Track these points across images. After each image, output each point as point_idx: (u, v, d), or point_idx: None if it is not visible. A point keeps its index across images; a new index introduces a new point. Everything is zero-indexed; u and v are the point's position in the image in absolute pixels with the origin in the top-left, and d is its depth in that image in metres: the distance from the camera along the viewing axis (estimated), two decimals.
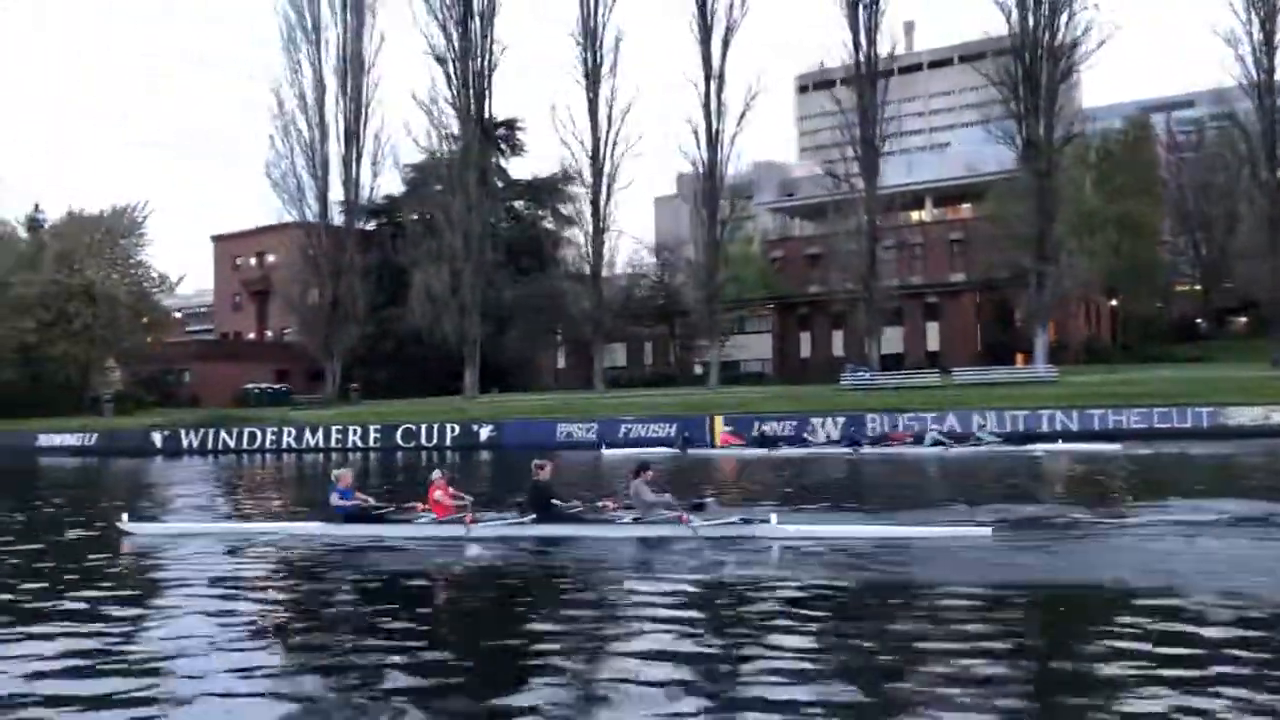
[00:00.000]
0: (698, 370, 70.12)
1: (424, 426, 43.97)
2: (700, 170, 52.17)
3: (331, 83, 56.78)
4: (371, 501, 14.40)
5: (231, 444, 46.05)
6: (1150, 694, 6.15)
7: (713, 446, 37.58)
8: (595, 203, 53.17)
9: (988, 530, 12.12)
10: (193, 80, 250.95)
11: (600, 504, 14.03)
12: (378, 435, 44.43)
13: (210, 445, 46.39)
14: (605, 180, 52.99)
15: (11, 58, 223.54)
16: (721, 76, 51.40)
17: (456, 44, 52.13)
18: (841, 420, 39.02)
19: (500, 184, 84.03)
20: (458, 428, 43.44)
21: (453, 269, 52.39)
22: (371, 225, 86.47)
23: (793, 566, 10.84)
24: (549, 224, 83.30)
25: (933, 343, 63.04)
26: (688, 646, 7.52)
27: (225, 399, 69.96)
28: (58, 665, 7.38)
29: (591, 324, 54.61)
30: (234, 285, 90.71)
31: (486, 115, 53.55)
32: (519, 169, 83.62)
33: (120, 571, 12.19)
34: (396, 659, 7.39)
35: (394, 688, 6.65)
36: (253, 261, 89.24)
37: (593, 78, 52.67)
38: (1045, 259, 47.36)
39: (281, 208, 60.75)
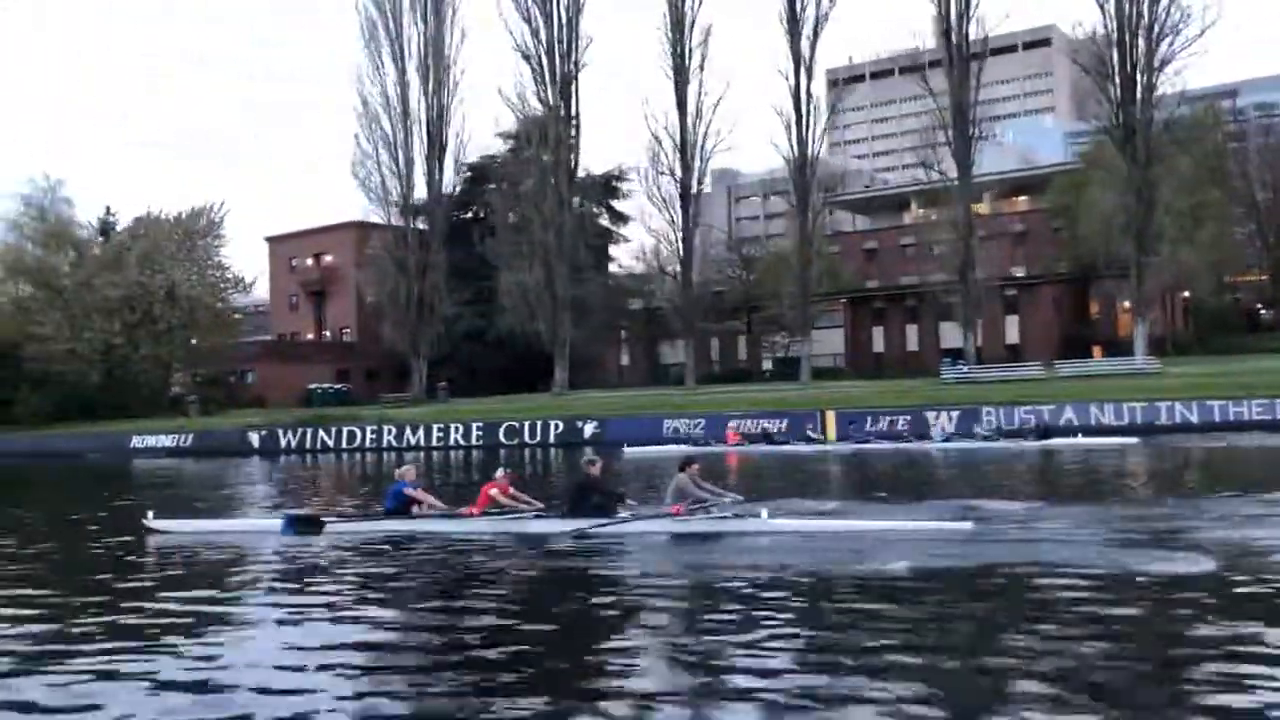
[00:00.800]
0: (766, 366, 70.04)
1: (527, 423, 43.94)
2: (791, 163, 51.99)
3: (414, 80, 56.69)
4: (433, 501, 14.42)
5: (330, 443, 46.18)
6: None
7: (824, 442, 37.73)
8: (684, 198, 52.95)
9: (968, 525, 12.46)
10: (193, 80, 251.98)
11: (632, 503, 14.24)
12: (480, 433, 44.46)
13: (309, 444, 46.60)
14: (695, 175, 52.85)
15: (11, 58, 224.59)
16: (811, 69, 51.30)
17: (544, 40, 52.07)
18: (956, 414, 38.86)
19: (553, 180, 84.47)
20: (561, 424, 43.40)
21: (546, 265, 52.30)
22: (424, 224, 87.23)
23: (781, 559, 11.01)
24: (603, 221, 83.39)
25: (1011, 336, 62.63)
26: (678, 638, 7.73)
27: (289, 399, 70.23)
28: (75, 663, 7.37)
29: (682, 320, 54.39)
30: (290, 286, 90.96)
31: (574, 112, 53.31)
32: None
33: (140, 569, 12.31)
34: (396, 654, 7.55)
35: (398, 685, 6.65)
36: (309, 262, 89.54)
37: (680, 71, 52.39)
38: (1145, 250, 47.01)
39: (368, 206, 60.42)
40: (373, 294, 56.32)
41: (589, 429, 42.82)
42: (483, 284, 78.65)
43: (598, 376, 74.04)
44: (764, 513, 12.88)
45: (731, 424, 38.92)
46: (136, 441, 49.78)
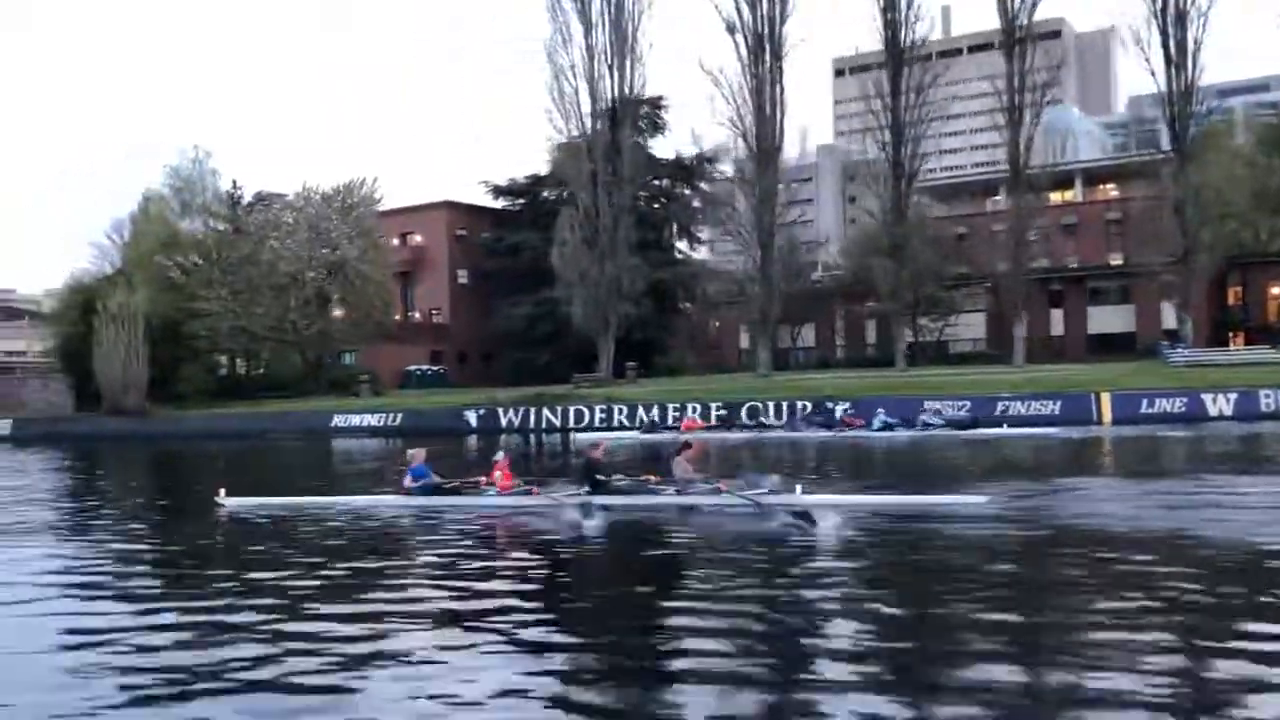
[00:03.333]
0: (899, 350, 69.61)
1: (771, 404, 43.33)
2: (1009, 142, 51.93)
3: (600, 55, 55.18)
4: (438, 479, 16.12)
5: (556, 422, 45.27)
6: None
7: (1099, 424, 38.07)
8: (898, 179, 52.46)
9: (984, 498, 14.11)
10: (264, 62, 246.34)
11: (642, 478, 15.84)
12: (721, 413, 43.81)
13: (532, 424, 45.70)
14: (907, 153, 52.28)
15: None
16: (1032, 41, 50.80)
17: (748, 14, 51.14)
18: (1234, 397, 39.15)
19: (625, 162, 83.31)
20: (809, 405, 42.84)
21: (762, 245, 51.56)
22: (503, 204, 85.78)
23: (818, 531, 12.49)
24: (696, 203, 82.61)
25: (1169, 321, 62.92)
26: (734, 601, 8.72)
27: (390, 382, 68.91)
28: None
29: (897, 301, 54.05)
30: None
31: (780, 88, 52.30)
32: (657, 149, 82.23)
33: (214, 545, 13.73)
34: (461, 614, 8.46)
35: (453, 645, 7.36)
36: (395, 242, 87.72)
37: (894, 46, 51.77)
38: None
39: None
40: (565, 273, 54.78)
41: (840, 409, 42.29)
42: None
43: (715, 361, 73.55)
44: (798, 488, 14.37)
45: (691, 414, 41.04)
46: (339, 420, 48.46)
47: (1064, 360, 60.81)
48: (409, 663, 6.94)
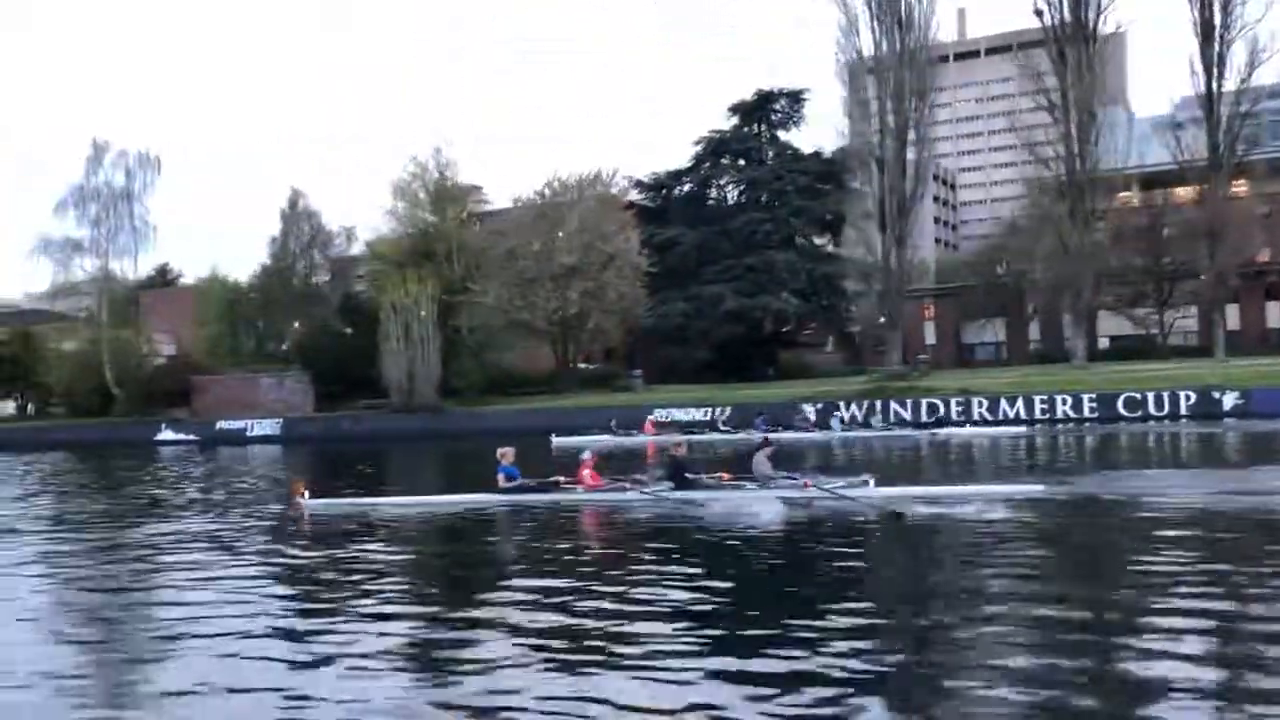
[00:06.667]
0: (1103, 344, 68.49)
1: (1151, 394, 42.09)
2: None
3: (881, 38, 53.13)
4: (532, 482, 16.55)
5: (907, 416, 43.41)
6: None
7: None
8: (1216, 166, 51.43)
9: (1041, 487, 15.32)
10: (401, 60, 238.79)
11: (716, 475, 16.41)
12: (1093, 405, 42.50)
13: (878, 418, 43.77)
14: (1225, 139, 51.31)
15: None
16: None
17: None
18: None
19: (772, 155, 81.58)
20: (1193, 395, 41.70)
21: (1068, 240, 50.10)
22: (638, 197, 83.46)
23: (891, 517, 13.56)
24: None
25: None
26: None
27: (541, 378, 66.60)
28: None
29: (1222, 286, 53.10)
30: None
31: (1094, 73, 50.80)
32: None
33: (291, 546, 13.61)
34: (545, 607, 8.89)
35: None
36: None
37: (1205, 32, 50.69)
38: None
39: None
40: (856, 261, 52.85)
41: (1229, 400, 41.20)
42: (737, 261, 75.49)
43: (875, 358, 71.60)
44: (871, 482, 15.31)
45: (651, 415, 42.19)
46: (659, 415, 46.07)
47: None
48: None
